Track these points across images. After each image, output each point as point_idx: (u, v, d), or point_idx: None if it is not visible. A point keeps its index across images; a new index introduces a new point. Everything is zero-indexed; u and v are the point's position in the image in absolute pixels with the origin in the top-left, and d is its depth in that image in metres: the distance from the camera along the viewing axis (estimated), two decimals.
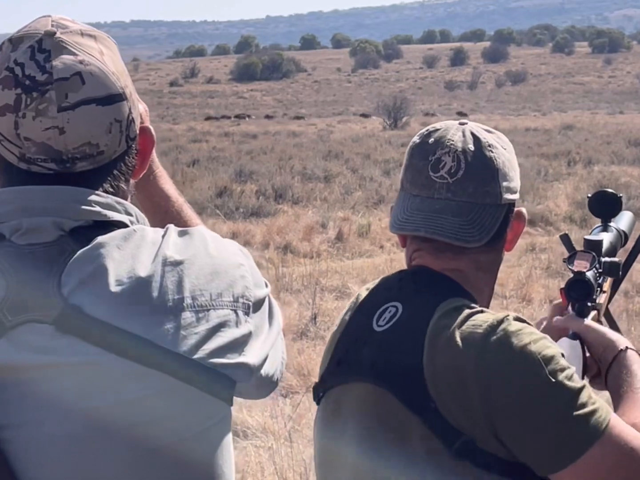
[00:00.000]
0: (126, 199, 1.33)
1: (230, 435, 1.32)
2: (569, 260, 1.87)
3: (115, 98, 1.28)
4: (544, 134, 28.99)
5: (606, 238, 2.02)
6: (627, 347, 1.72)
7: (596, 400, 1.51)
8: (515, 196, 1.69)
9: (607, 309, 2.01)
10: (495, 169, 1.65)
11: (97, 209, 1.27)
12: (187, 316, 1.23)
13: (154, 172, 1.64)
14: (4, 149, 1.26)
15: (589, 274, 1.85)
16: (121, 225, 1.28)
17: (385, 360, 1.58)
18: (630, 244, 2.10)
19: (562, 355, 1.54)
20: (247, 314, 1.29)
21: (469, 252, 1.65)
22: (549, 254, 10.53)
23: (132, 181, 1.36)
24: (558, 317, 1.84)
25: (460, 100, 62.81)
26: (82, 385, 1.19)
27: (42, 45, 1.26)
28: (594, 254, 1.87)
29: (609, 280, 2.00)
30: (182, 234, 1.30)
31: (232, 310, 1.27)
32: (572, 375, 1.51)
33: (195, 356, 1.22)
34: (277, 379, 1.37)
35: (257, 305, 1.32)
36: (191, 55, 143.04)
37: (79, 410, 1.19)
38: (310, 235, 12.02)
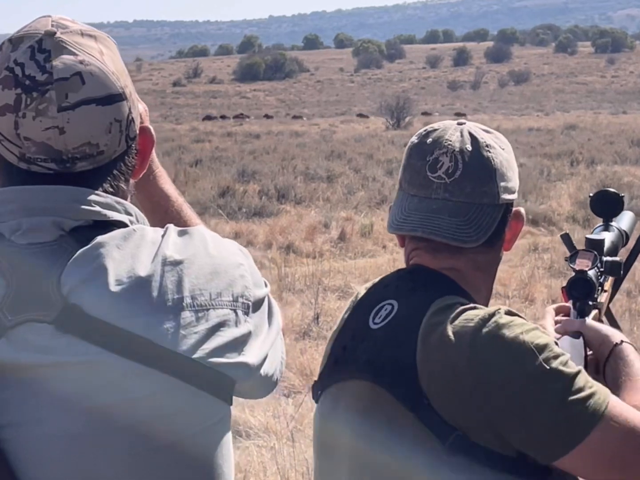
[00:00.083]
0: (126, 199, 1.33)
1: (230, 435, 1.32)
2: (571, 259, 1.87)
3: (115, 98, 1.28)
4: (547, 134, 28.98)
5: (608, 237, 2.02)
6: (622, 341, 1.73)
7: (594, 384, 1.52)
8: (514, 196, 1.69)
9: (608, 307, 2.02)
10: (493, 169, 1.65)
11: (97, 208, 1.27)
12: (187, 316, 1.23)
13: (154, 172, 1.64)
14: (4, 149, 1.27)
15: (591, 273, 1.85)
16: (121, 225, 1.28)
17: (380, 357, 1.59)
18: (631, 244, 2.11)
19: (556, 343, 1.54)
20: (246, 313, 1.29)
21: (467, 251, 1.65)
22: (552, 253, 10.52)
23: (131, 181, 1.36)
24: (558, 325, 1.84)
25: (463, 100, 62.82)
26: (82, 384, 1.19)
27: (42, 45, 1.26)
28: (595, 252, 1.88)
29: (610, 279, 2.01)
30: (181, 233, 1.31)
31: (231, 309, 1.27)
32: (566, 361, 1.51)
33: (195, 356, 1.22)
34: (277, 378, 1.37)
35: (257, 305, 1.32)
36: (194, 55, 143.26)
37: (79, 410, 1.19)
38: (312, 235, 12.02)
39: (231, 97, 71.28)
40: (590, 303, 1.86)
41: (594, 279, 1.86)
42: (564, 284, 1.88)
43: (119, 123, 1.29)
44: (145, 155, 1.38)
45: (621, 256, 2.03)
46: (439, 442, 1.50)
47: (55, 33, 1.27)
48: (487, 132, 1.71)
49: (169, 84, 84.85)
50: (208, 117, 42.32)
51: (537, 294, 8.84)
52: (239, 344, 1.27)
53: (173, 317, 1.22)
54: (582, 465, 1.51)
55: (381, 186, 16.13)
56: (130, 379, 1.20)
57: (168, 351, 1.21)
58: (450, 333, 1.53)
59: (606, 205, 2.09)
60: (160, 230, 1.30)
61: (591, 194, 2.11)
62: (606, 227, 2.08)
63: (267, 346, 1.33)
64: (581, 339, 1.77)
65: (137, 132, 1.34)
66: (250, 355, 1.28)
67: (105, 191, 1.29)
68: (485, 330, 1.51)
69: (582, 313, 1.83)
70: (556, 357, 1.50)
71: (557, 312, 1.90)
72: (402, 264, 1.77)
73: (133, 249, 1.25)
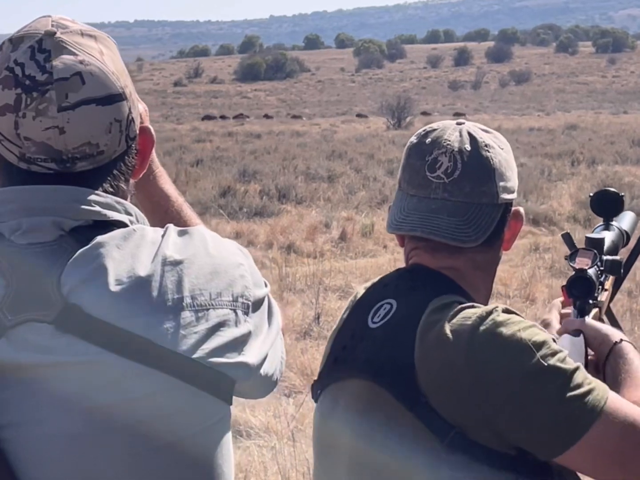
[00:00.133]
0: (126, 199, 1.33)
1: (229, 435, 1.32)
2: (571, 257, 1.87)
3: (115, 98, 1.28)
4: (548, 134, 28.97)
5: (608, 236, 2.03)
6: (621, 340, 1.74)
7: (592, 380, 1.52)
8: (513, 196, 1.70)
9: (608, 307, 2.02)
10: (492, 169, 1.66)
11: (97, 208, 1.27)
12: (187, 315, 1.23)
13: (154, 172, 1.64)
14: (4, 149, 1.27)
15: (591, 272, 1.86)
16: (121, 225, 1.28)
17: (378, 356, 1.59)
18: (632, 244, 2.11)
19: (554, 340, 1.55)
20: (246, 313, 1.29)
21: (466, 251, 1.65)
22: (553, 253, 10.52)
23: (131, 181, 1.36)
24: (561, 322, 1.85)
25: (464, 100, 62.81)
26: (82, 384, 1.19)
27: (42, 45, 1.26)
28: (595, 251, 1.88)
29: (611, 278, 2.01)
30: (181, 233, 1.31)
31: (231, 309, 1.28)
32: (564, 358, 1.52)
33: (195, 355, 1.23)
34: (277, 378, 1.38)
35: (257, 304, 1.32)
36: (195, 55, 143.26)
37: (79, 410, 1.19)
38: (313, 235, 12.02)
39: (232, 97, 71.29)
40: (591, 302, 1.86)
41: (594, 277, 1.86)
42: (565, 283, 1.89)
43: (119, 123, 1.29)
44: (145, 155, 1.38)
45: (622, 256, 2.04)
46: (437, 440, 1.51)
47: (55, 33, 1.27)
48: (486, 131, 1.71)
49: (170, 84, 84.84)
50: (207, 117, 42.29)
51: (538, 294, 8.84)
52: (238, 343, 1.27)
53: (173, 317, 1.23)
54: (581, 461, 1.52)
55: (382, 186, 16.13)
56: (130, 379, 1.20)
57: (168, 351, 1.21)
58: (448, 331, 1.53)
59: (606, 204, 2.09)
60: (160, 230, 1.30)
61: (591, 194, 2.12)
62: (606, 227, 2.09)
63: (267, 346, 1.33)
64: (581, 336, 1.77)
65: (137, 132, 1.34)
66: (250, 355, 1.28)
67: (105, 191, 1.29)
68: (482, 328, 1.52)
69: (582, 312, 1.83)
70: (554, 354, 1.51)
71: (563, 305, 1.91)
72: (402, 264, 1.77)
73: (133, 249, 1.25)
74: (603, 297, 1.96)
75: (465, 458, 1.50)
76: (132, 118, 1.32)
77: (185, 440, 1.23)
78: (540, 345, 1.51)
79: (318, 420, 1.73)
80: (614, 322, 1.99)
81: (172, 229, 1.31)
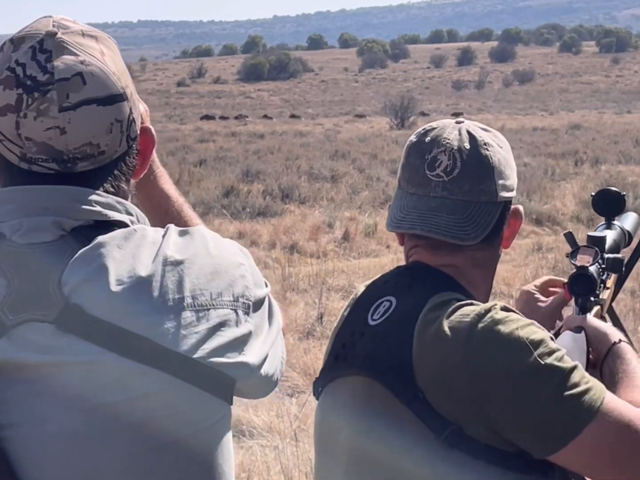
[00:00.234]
0: (127, 199, 1.34)
1: (230, 434, 1.32)
2: (572, 254, 1.88)
3: (116, 98, 1.29)
4: (551, 134, 28.95)
5: (609, 235, 2.03)
6: (620, 340, 1.75)
7: (589, 379, 1.53)
8: (512, 194, 1.70)
9: (610, 305, 2.02)
10: (491, 167, 1.66)
11: (98, 208, 1.27)
12: (188, 315, 1.24)
13: (155, 172, 1.64)
14: (5, 149, 1.27)
15: (592, 269, 1.86)
16: (122, 225, 1.29)
17: (377, 353, 1.60)
18: (634, 243, 2.11)
19: (552, 339, 1.55)
20: (247, 313, 1.30)
21: (465, 249, 1.66)
22: (556, 253, 10.51)
23: (132, 181, 1.36)
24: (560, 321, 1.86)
25: (467, 99, 62.78)
26: (82, 384, 1.19)
27: (44, 46, 1.26)
28: (596, 249, 1.88)
29: (613, 276, 2.01)
30: (182, 233, 1.31)
31: (232, 309, 1.28)
32: (562, 356, 1.52)
33: (196, 355, 1.23)
34: (277, 378, 1.38)
35: (257, 304, 1.32)
36: (198, 55, 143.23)
37: (80, 409, 1.19)
38: (316, 235, 12.02)
39: (235, 97, 71.29)
40: (592, 299, 1.86)
41: (595, 275, 1.87)
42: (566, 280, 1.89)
43: (119, 123, 1.29)
44: (146, 155, 1.38)
45: (624, 255, 2.04)
46: (434, 436, 1.52)
47: (56, 33, 1.27)
48: (485, 130, 1.72)
49: (173, 84, 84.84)
50: (207, 117, 42.22)
51: None
52: (239, 343, 1.27)
53: (174, 317, 1.23)
54: (577, 459, 1.52)
55: (385, 186, 16.13)
56: (130, 378, 1.20)
57: (169, 351, 1.21)
58: (446, 328, 1.54)
59: (608, 204, 2.09)
60: (160, 230, 1.30)
61: (593, 193, 2.12)
62: (608, 226, 2.09)
63: (268, 346, 1.33)
64: (583, 333, 1.78)
65: (138, 132, 1.35)
66: (250, 355, 1.28)
67: (106, 191, 1.30)
68: (480, 325, 1.52)
69: (584, 309, 1.84)
70: (551, 352, 1.51)
71: (551, 284, 1.91)
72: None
73: (134, 249, 1.25)
74: (605, 294, 1.96)
75: (463, 454, 1.51)
76: (133, 118, 1.32)
77: (186, 439, 1.24)
78: (537, 343, 1.51)
79: (319, 416, 1.75)
80: (616, 321, 1.99)
81: (172, 229, 1.31)
